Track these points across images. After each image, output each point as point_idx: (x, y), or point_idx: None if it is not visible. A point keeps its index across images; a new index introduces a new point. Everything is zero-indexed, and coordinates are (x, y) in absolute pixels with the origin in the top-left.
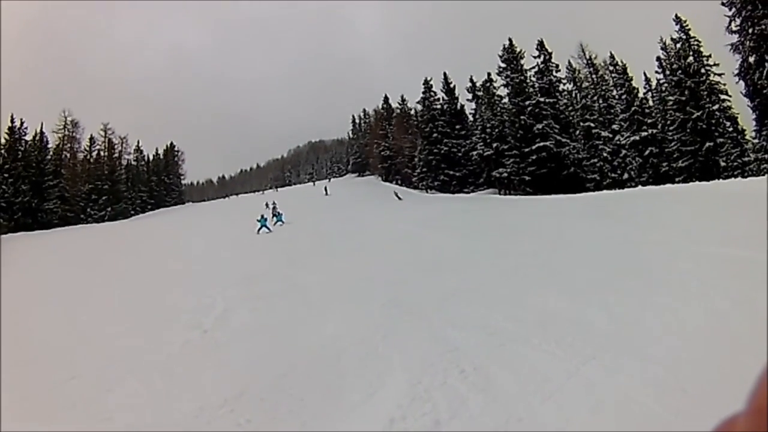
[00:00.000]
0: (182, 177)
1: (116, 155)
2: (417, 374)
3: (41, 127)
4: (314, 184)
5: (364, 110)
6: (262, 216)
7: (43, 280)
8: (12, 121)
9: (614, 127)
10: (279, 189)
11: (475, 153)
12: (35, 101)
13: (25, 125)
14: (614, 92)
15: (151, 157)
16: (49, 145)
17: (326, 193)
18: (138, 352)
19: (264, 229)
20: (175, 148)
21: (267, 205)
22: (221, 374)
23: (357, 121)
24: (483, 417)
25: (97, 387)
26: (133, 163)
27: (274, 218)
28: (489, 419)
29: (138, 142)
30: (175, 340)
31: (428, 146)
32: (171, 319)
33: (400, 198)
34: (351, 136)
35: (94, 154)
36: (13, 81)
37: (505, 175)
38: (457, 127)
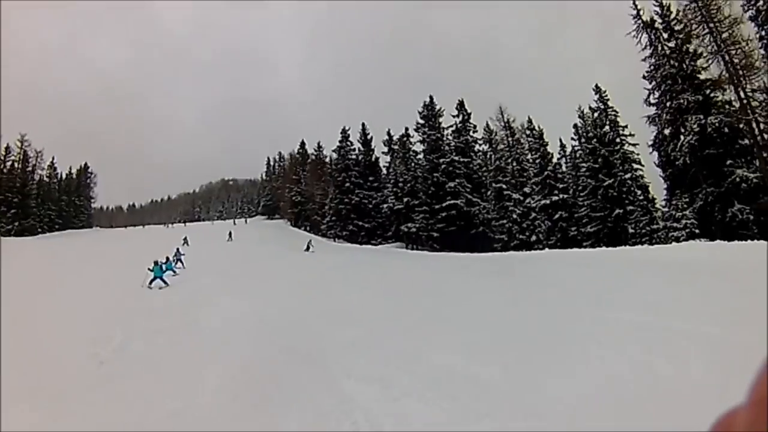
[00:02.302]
0: (93, 200)
1: (30, 169)
2: (310, 424)
3: None
4: (235, 223)
5: (280, 153)
6: (156, 262)
7: None
8: None
9: (526, 189)
10: (187, 224)
11: (385, 206)
12: None
13: None
14: (529, 156)
15: (63, 176)
16: None
17: (230, 238)
18: (28, 379)
19: (157, 280)
20: (89, 170)
21: (185, 242)
22: (114, 407)
23: (272, 163)
24: None
25: None
26: (46, 179)
27: (175, 261)
28: None
29: (53, 159)
30: (69, 369)
31: (340, 195)
32: (68, 349)
33: (309, 249)
34: (264, 177)
35: (8, 164)
36: None
37: (414, 229)
38: (371, 178)
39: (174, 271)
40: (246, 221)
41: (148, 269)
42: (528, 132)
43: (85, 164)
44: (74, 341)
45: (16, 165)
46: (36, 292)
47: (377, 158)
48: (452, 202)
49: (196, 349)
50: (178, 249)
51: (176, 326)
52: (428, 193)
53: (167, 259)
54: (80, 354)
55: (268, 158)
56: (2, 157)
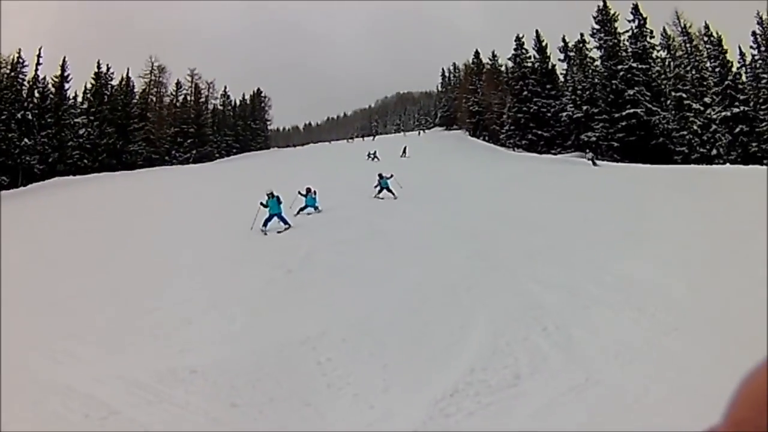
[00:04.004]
0: (268, 122)
1: (203, 100)
2: (500, 328)
3: (127, 72)
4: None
5: (454, 64)
6: (272, 194)
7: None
8: (98, 66)
9: (706, 99)
10: (365, 138)
11: (564, 114)
12: (121, 50)
13: (111, 71)
14: (707, 64)
15: (237, 102)
16: (135, 90)
17: (404, 155)
18: (221, 287)
19: (274, 220)
20: (262, 94)
21: (374, 156)
22: (304, 313)
23: (446, 74)
24: (562, 375)
25: (178, 319)
26: (220, 107)
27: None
28: (568, 378)
29: (225, 88)
30: (258, 278)
31: (518, 104)
32: (255, 259)
33: (596, 164)
34: (439, 89)
35: (181, 98)
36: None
37: (594, 139)
38: (548, 86)
39: (315, 208)
40: (419, 134)
41: (261, 204)
42: (706, 38)
43: (258, 89)
44: (263, 252)
45: (188, 98)
46: (218, 209)
47: (554, 66)
48: (632, 110)
49: (381, 257)
50: (380, 174)
51: (359, 236)
52: (607, 101)
53: (307, 191)
54: (270, 264)
55: (443, 69)
56: (174, 92)
